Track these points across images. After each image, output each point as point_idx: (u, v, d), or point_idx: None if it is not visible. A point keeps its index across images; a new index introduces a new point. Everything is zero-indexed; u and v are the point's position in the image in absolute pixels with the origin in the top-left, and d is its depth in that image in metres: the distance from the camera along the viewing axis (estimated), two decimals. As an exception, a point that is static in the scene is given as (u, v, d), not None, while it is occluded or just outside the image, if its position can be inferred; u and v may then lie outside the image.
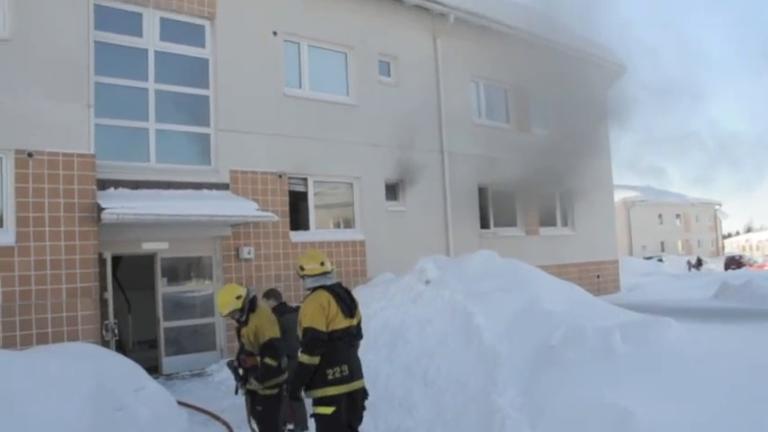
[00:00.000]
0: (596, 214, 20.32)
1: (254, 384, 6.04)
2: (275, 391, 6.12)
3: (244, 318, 6.21)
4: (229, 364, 6.38)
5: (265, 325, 6.21)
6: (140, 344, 12.37)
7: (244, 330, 6.23)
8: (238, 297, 6.14)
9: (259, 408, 6.12)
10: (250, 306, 6.27)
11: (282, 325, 6.77)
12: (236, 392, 6.41)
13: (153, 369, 10.23)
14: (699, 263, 39.35)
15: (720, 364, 6.60)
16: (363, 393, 5.11)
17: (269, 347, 6.04)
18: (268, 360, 6.02)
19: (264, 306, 6.78)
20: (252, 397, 6.19)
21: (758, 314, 12.37)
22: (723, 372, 6.43)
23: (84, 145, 9.61)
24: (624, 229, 47.56)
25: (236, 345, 6.57)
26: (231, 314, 6.18)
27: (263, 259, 12.04)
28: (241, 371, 6.17)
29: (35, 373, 5.70)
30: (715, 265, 40.08)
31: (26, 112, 9.19)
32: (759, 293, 15.28)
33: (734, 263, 39.08)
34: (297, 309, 6.91)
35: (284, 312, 7.70)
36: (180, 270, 11.50)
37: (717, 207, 62.21)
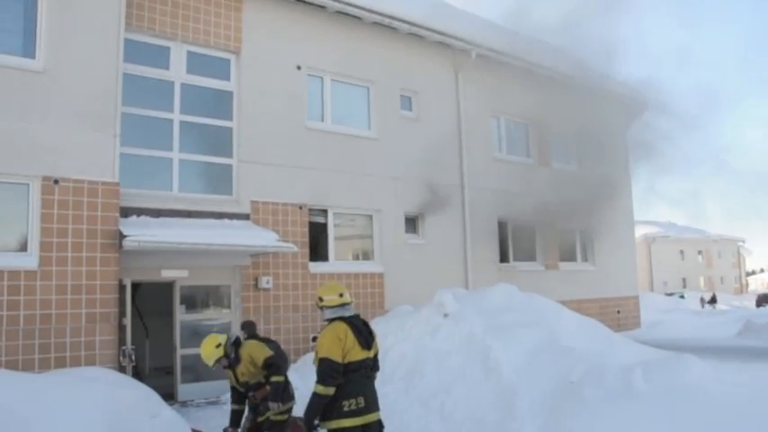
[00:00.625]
0: (617, 250, 20.15)
1: (272, 407, 6.18)
2: (285, 416, 6.26)
3: (232, 357, 6.46)
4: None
5: (256, 350, 6.53)
6: (157, 370, 12.37)
7: (238, 369, 6.40)
8: (218, 345, 6.41)
9: None
10: (235, 345, 6.55)
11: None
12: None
13: (168, 396, 10.22)
14: (713, 299, 38.67)
15: (745, 404, 6.48)
16: (379, 426, 5.07)
17: (269, 366, 6.34)
18: (274, 378, 6.30)
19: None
20: (258, 426, 6.32)
21: (783, 354, 12.12)
22: (748, 411, 6.31)
23: (109, 173, 9.78)
24: (645, 264, 47.04)
25: None
26: (218, 362, 6.35)
27: (281, 289, 12.07)
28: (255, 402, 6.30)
29: (51, 396, 5.73)
30: (739, 302, 39.30)
31: (54, 140, 9.39)
32: (784, 333, 14.99)
33: (765, 300, 38.32)
34: (266, 339, 7.72)
35: None
36: (198, 298, 11.56)
37: (740, 243, 61.39)
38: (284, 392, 6.41)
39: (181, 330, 11.03)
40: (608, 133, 19.71)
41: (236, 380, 6.49)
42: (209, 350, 6.41)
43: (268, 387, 6.31)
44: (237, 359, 6.45)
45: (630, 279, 21.14)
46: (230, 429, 6.59)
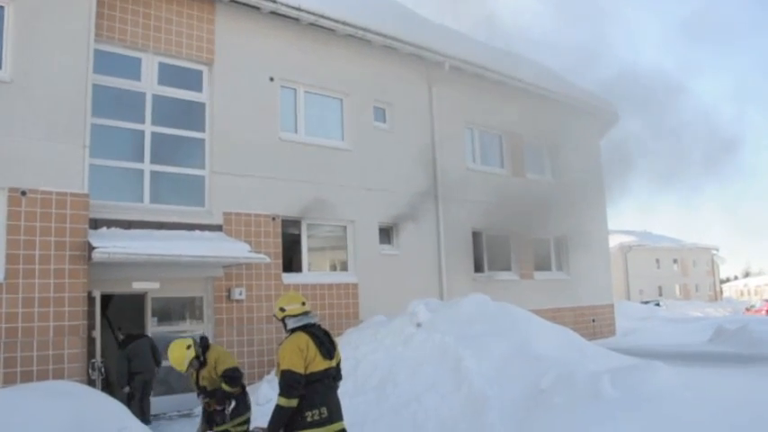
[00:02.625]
0: (592, 259, 20.33)
1: (227, 413, 6.17)
2: (245, 427, 6.25)
3: (201, 359, 6.41)
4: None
5: (223, 357, 6.52)
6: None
7: (203, 372, 6.36)
8: (188, 347, 6.34)
9: None
10: (204, 347, 6.52)
11: (131, 351, 10.03)
12: None
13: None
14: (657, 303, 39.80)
15: (710, 408, 6.57)
16: (344, 435, 5.06)
17: (229, 378, 6.30)
18: (225, 386, 6.27)
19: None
20: None
21: (752, 358, 12.30)
22: (712, 415, 6.40)
23: (78, 184, 9.69)
24: (621, 273, 47.48)
25: None
26: (191, 365, 6.29)
27: (254, 300, 12.02)
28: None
29: (13, 412, 5.64)
30: (714, 310, 39.77)
31: (22, 151, 9.29)
32: (754, 338, 15.18)
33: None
34: (141, 336, 10.09)
35: (133, 339, 10.21)
36: (171, 310, 11.46)
37: (714, 252, 62.15)
38: (241, 404, 6.37)
39: (152, 343, 10.91)
40: (581, 143, 19.98)
41: (196, 382, 6.43)
42: (181, 353, 6.30)
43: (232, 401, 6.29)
44: (204, 362, 6.39)
45: (605, 287, 21.33)
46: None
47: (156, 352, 10.23)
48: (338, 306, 13.30)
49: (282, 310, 5.18)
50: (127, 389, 9.87)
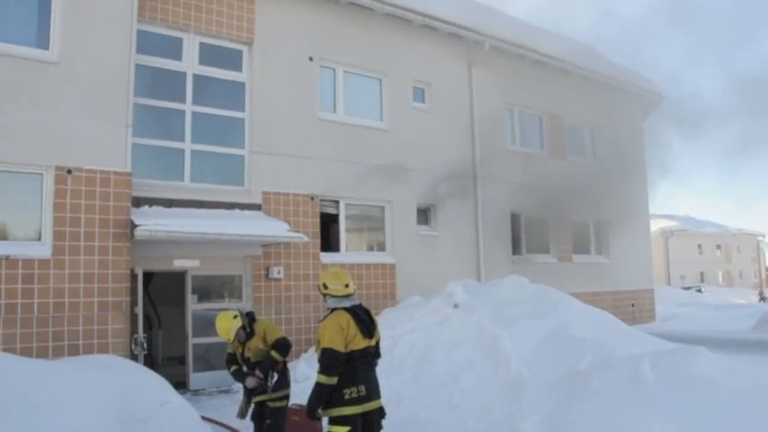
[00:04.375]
0: (632, 243, 20.00)
1: (270, 381, 6.29)
2: (284, 403, 6.34)
3: (248, 330, 6.45)
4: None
5: (271, 328, 6.60)
6: (170, 359, 12.50)
7: (249, 344, 6.41)
8: (235, 317, 6.41)
9: (268, 421, 6.31)
10: (250, 318, 6.56)
11: None
12: (242, 416, 6.56)
13: (181, 384, 10.34)
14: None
15: (753, 396, 6.41)
16: (380, 413, 5.08)
17: (280, 346, 6.37)
18: (274, 353, 6.33)
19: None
20: (260, 412, 6.35)
21: (799, 348, 11.99)
22: (755, 403, 6.24)
23: (121, 163, 9.87)
24: (662, 258, 46.66)
25: None
26: (238, 336, 6.37)
27: (292, 279, 12.13)
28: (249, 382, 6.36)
29: (61, 381, 5.81)
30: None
31: (67, 130, 9.50)
32: (801, 327, 14.83)
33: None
34: None
35: None
36: (210, 288, 11.64)
37: (760, 238, 60.61)
38: (283, 379, 6.45)
39: (193, 320, 11.13)
40: (623, 125, 19.60)
41: (242, 355, 6.52)
42: (228, 324, 6.36)
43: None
44: (252, 333, 6.47)
45: (645, 272, 20.99)
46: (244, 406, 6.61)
47: None
48: (375, 286, 13.36)
49: (326, 286, 5.18)
50: None
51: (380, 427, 5.10)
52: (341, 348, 4.87)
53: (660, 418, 6.04)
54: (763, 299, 37.31)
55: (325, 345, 4.89)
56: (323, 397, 4.87)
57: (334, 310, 5.09)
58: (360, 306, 5.19)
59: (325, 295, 5.22)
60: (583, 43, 20.64)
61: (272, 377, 6.37)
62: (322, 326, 5.03)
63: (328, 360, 4.85)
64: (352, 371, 4.91)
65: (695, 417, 6.04)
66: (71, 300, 9.20)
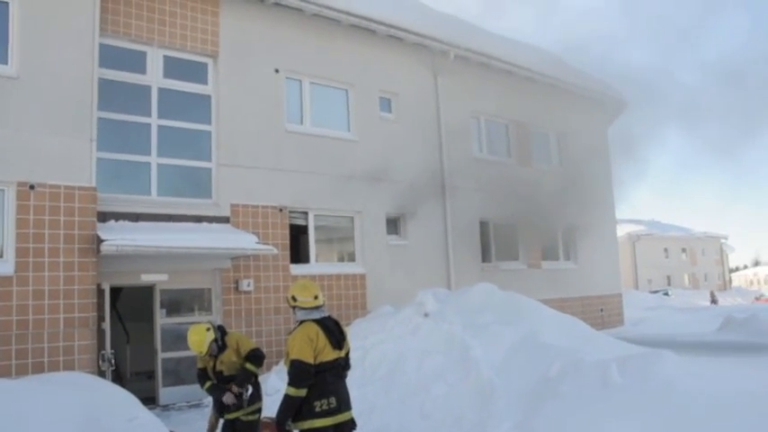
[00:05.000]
0: (599, 248, 20.29)
1: (244, 396, 6.23)
2: (256, 416, 6.30)
3: (220, 343, 6.41)
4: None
5: (244, 340, 6.59)
6: (138, 374, 12.35)
7: (221, 357, 6.36)
8: (208, 329, 6.36)
9: None
10: (221, 331, 6.53)
11: None
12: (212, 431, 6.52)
13: (150, 399, 10.23)
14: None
15: (719, 398, 6.54)
16: (351, 424, 5.08)
17: (254, 358, 6.38)
18: (249, 365, 6.32)
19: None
20: (232, 427, 6.30)
21: (762, 347, 12.26)
22: (721, 405, 6.37)
23: (86, 178, 9.74)
24: (630, 263, 47.36)
25: None
26: (210, 349, 6.31)
27: (262, 292, 12.07)
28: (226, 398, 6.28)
29: (23, 401, 5.70)
30: (722, 299, 39.62)
31: (30, 145, 9.35)
32: (763, 327, 15.15)
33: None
34: None
35: None
36: (179, 301, 11.52)
37: (723, 240, 61.88)
38: (255, 392, 6.42)
39: (162, 334, 11.00)
40: (589, 132, 19.92)
41: (213, 368, 6.45)
42: (200, 337, 6.29)
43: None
44: (224, 346, 6.42)
45: (613, 277, 21.29)
46: (213, 421, 6.55)
47: None
48: (346, 297, 13.35)
49: (294, 299, 5.16)
50: None
51: (352, 438, 5.09)
52: (310, 360, 4.86)
53: (629, 423, 6.14)
54: (714, 301, 38.07)
55: (293, 356, 4.88)
56: (292, 409, 4.85)
57: (302, 322, 5.08)
58: (329, 318, 5.19)
59: (294, 308, 5.21)
60: (548, 51, 20.96)
61: (247, 390, 6.33)
62: (291, 338, 5.02)
63: (297, 372, 4.83)
64: (322, 383, 4.91)
65: (661, 419, 6.15)
66: (35, 317, 9.02)
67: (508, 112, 17.84)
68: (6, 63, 9.42)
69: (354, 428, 5.12)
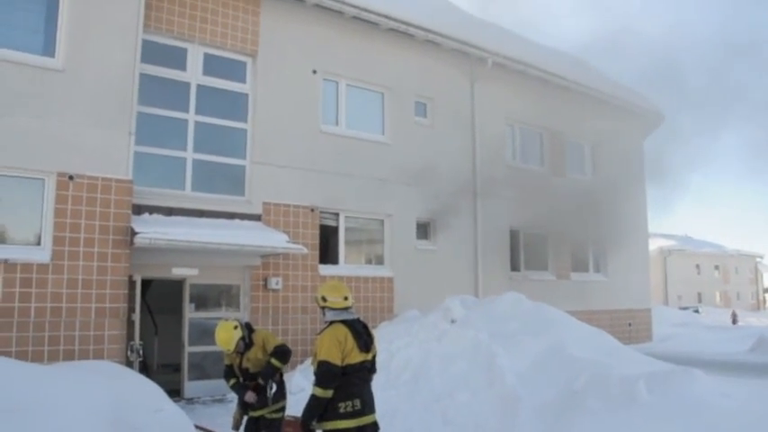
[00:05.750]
0: (630, 262, 20.02)
1: (269, 391, 6.28)
2: (280, 414, 6.33)
3: (247, 341, 6.44)
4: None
5: (270, 337, 6.60)
6: (165, 367, 12.51)
7: (248, 354, 6.40)
8: (236, 327, 6.39)
9: None
10: (248, 329, 6.57)
11: None
12: (236, 428, 6.54)
13: (175, 392, 10.34)
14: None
15: (750, 419, 6.42)
16: (374, 427, 5.08)
17: (281, 353, 6.39)
18: (274, 361, 6.33)
19: None
20: (255, 424, 6.34)
21: (795, 371, 11.97)
22: (751, 426, 6.25)
23: (123, 171, 9.91)
24: (660, 278, 46.63)
25: None
26: (237, 346, 6.35)
27: (290, 290, 12.15)
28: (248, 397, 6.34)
29: (53, 386, 5.82)
30: (756, 319, 38.75)
31: (70, 137, 9.54)
32: (797, 350, 14.80)
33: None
34: None
35: None
36: (208, 297, 11.66)
37: (758, 259, 60.61)
38: (279, 390, 6.45)
39: (189, 328, 11.13)
40: (624, 143, 19.68)
41: (239, 365, 6.51)
42: (229, 334, 6.33)
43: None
44: (251, 343, 6.47)
45: (643, 292, 20.98)
46: (238, 417, 6.59)
47: None
48: (373, 299, 13.37)
49: (324, 299, 5.17)
50: None
51: (374, 441, 5.10)
52: (337, 362, 4.87)
53: (654, 440, 6.06)
54: (735, 321, 37.14)
55: (322, 357, 4.90)
56: (318, 410, 4.87)
57: (332, 323, 5.10)
58: (358, 320, 5.20)
59: (323, 308, 5.22)
60: (584, 61, 20.77)
61: (271, 388, 6.36)
62: (320, 338, 5.03)
63: (324, 373, 4.85)
64: (347, 385, 4.92)
65: (688, 438, 6.06)
66: (68, 305, 9.21)
67: (543, 121, 17.72)
68: (53, 56, 9.63)
69: (377, 431, 5.12)
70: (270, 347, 6.42)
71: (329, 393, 4.84)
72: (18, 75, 9.25)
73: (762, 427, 6.25)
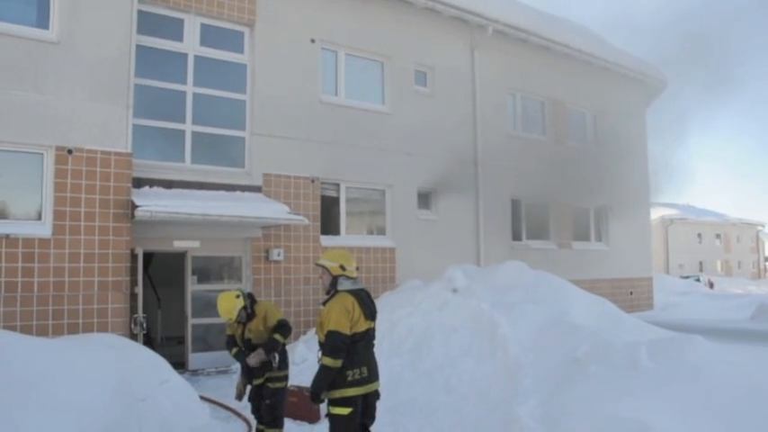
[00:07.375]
0: (631, 230, 20.01)
1: (273, 362, 6.30)
2: (283, 384, 6.36)
3: (249, 311, 6.43)
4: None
5: (273, 309, 6.60)
6: (169, 339, 12.60)
7: (250, 325, 6.40)
8: (237, 296, 6.37)
9: (267, 401, 6.31)
10: (251, 299, 6.55)
11: None
12: (240, 398, 6.57)
13: (179, 365, 10.40)
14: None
15: (749, 384, 6.44)
16: (376, 395, 5.12)
17: (282, 327, 6.40)
18: (277, 336, 6.35)
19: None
20: (259, 393, 6.37)
21: (796, 337, 12.03)
22: (752, 392, 6.27)
23: (122, 144, 9.86)
24: (662, 247, 46.67)
25: None
26: (239, 316, 6.34)
27: (292, 262, 12.16)
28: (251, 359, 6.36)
29: (59, 359, 5.84)
30: (756, 287, 38.86)
31: (68, 110, 9.48)
32: (798, 317, 14.86)
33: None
34: None
35: None
36: (210, 269, 11.68)
37: (760, 228, 60.58)
38: (282, 360, 6.47)
39: (192, 300, 11.17)
40: (626, 112, 19.55)
41: (241, 335, 6.52)
42: (230, 303, 6.33)
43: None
44: (253, 314, 6.47)
45: (645, 260, 21.01)
46: (241, 387, 6.62)
47: None
48: (375, 270, 13.39)
49: (343, 268, 5.13)
50: None
51: (375, 409, 5.13)
52: (346, 331, 4.87)
53: (656, 406, 6.08)
54: (711, 286, 37.13)
55: (331, 327, 4.87)
56: (328, 379, 4.86)
57: (337, 292, 5.08)
58: (362, 289, 5.20)
59: (336, 276, 5.15)
60: (586, 28, 20.53)
61: (275, 358, 6.39)
62: (327, 308, 5.00)
63: (334, 343, 4.84)
64: (354, 353, 4.93)
65: (690, 405, 6.07)
66: (71, 279, 9.23)
67: (544, 90, 17.58)
68: (47, 28, 9.52)
69: (378, 398, 5.16)
70: (271, 321, 6.40)
71: (339, 363, 4.84)
72: (12, 48, 9.17)
73: (760, 391, 6.28)
